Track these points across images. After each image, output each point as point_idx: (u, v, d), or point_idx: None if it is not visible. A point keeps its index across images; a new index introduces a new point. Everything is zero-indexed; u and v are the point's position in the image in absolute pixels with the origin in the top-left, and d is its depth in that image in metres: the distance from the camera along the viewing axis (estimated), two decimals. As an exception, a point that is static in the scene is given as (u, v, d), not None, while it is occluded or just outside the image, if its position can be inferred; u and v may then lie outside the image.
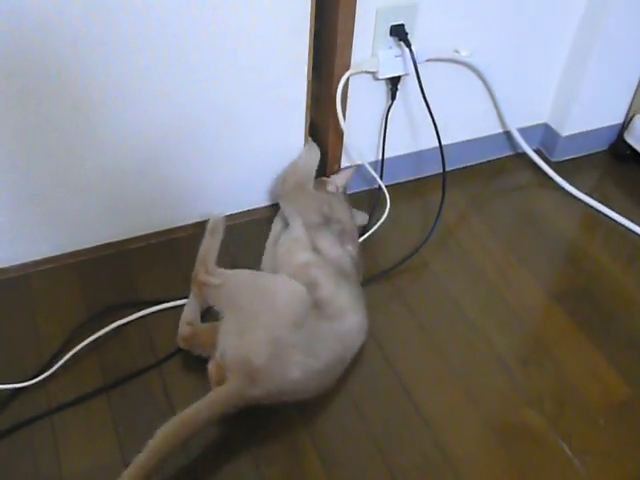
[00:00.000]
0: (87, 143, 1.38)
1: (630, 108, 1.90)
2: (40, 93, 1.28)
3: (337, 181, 1.57)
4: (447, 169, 1.61)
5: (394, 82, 1.58)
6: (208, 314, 1.33)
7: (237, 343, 1.18)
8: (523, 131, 1.85)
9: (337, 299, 1.28)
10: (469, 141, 1.83)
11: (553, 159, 1.91)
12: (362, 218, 1.63)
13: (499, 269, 1.59)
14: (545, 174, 1.85)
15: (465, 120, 1.78)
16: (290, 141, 1.60)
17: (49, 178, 1.40)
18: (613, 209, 1.74)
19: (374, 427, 1.26)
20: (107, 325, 1.36)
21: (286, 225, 1.47)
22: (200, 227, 1.59)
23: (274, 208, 1.60)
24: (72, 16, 1.21)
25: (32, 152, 1.35)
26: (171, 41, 1.31)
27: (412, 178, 1.82)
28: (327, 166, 1.65)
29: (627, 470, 1.23)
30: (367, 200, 1.73)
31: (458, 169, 1.85)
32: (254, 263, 1.46)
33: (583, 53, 1.73)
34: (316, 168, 1.58)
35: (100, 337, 1.35)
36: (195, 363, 1.30)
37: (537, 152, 1.90)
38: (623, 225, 1.72)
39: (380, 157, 1.70)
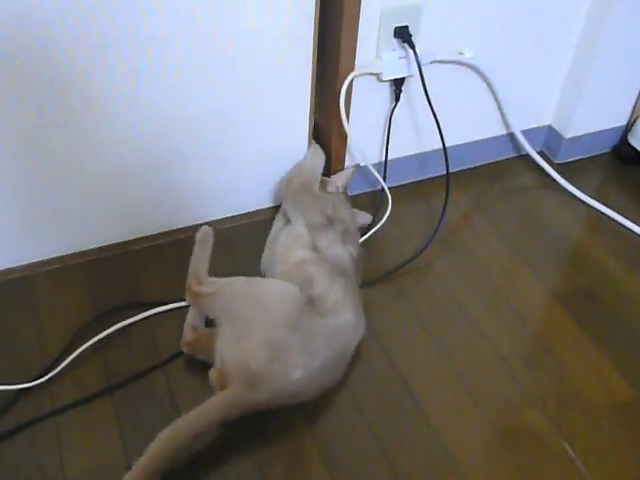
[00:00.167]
0: (90, 145, 1.39)
1: (634, 110, 1.90)
2: (43, 95, 1.28)
3: (337, 181, 1.57)
4: (451, 171, 1.62)
5: (398, 84, 1.58)
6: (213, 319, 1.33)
7: (235, 350, 1.19)
8: (527, 133, 1.85)
9: (331, 295, 1.28)
10: (473, 143, 1.83)
11: (557, 161, 1.91)
12: (365, 218, 1.63)
13: (502, 270, 1.60)
14: (549, 176, 1.85)
15: (469, 122, 1.78)
16: (294, 143, 1.60)
17: (52, 179, 1.40)
18: (616, 211, 1.74)
19: (377, 428, 1.26)
20: (111, 326, 1.37)
21: (287, 222, 1.47)
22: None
23: (277, 210, 1.60)
24: (75, 19, 1.21)
25: (36, 153, 1.35)
26: (173, 43, 1.32)
27: (416, 180, 1.82)
28: (331, 167, 1.66)
29: (630, 471, 1.23)
30: (370, 201, 1.73)
31: (462, 171, 1.85)
32: (257, 264, 1.47)
33: (587, 55, 1.73)
34: (322, 170, 1.58)
35: (104, 338, 1.35)
36: (199, 364, 1.30)
37: (541, 154, 1.90)
38: (626, 227, 1.72)
39: (384, 158, 1.70)
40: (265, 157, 1.59)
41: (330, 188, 1.55)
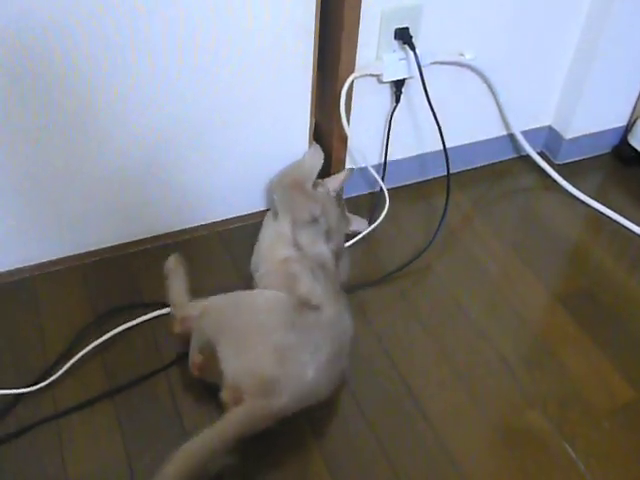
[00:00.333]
0: (90, 147, 1.39)
1: (634, 111, 1.90)
2: (43, 97, 1.28)
3: (329, 184, 1.55)
4: (451, 172, 1.61)
5: (398, 85, 1.59)
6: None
7: (242, 363, 1.17)
8: (527, 134, 1.85)
9: (316, 292, 1.28)
10: (473, 144, 1.83)
11: (557, 162, 1.91)
12: (361, 224, 1.63)
13: (503, 271, 1.60)
14: (549, 177, 1.85)
15: (469, 123, 1.79)
16: (293, 145, 1.60)
17: (53, 182, 1.40)
18: (617, 211, 1.75)
19: (378, 429, 1.26)
20: (112, 327, 1.37)
21: (275, 215, 1.47)
22: (203, 230, 1.61)
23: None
24: (76, 21, 1.21)
25: (37, 155, 1.35)
26: (174, 45, 1.32)
27: (416, 181, 1.82)
28: (331, 168, 1.66)
29: (632, 473, 1.23)
30: (370, 203, 1.73)
31: (462, 172, 1.85)
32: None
33: (587, 56, 1.74)
34: (319, 170, 1.58)
35: (105, 340, 1.35)
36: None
37: (541, 155, 1.90)
38: (627, 227, 1.72)
39: (384, 160, 1.70)
40: (265, 159, 1.59)
41: (322, 190, 1.54)
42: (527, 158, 1.89)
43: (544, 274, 1.59)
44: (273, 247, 1.39)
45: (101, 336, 1.35)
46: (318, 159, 1.59)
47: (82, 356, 1.32)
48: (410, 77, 1.58)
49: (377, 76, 1.56)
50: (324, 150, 1.61)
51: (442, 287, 1.55)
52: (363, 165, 1.68)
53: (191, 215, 1.60)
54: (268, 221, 1.51)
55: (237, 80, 1.42)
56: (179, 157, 1.49)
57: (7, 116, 1.28)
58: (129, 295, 1.46)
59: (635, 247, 1.68)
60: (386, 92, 1.61)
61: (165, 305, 1.42)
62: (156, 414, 1.25)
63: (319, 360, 1.19)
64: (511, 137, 1.87)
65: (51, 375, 1.29)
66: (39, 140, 1.34)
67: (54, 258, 1.51)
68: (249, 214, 1.66)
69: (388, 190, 1.70)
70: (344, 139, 1.62)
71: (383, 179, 1.70)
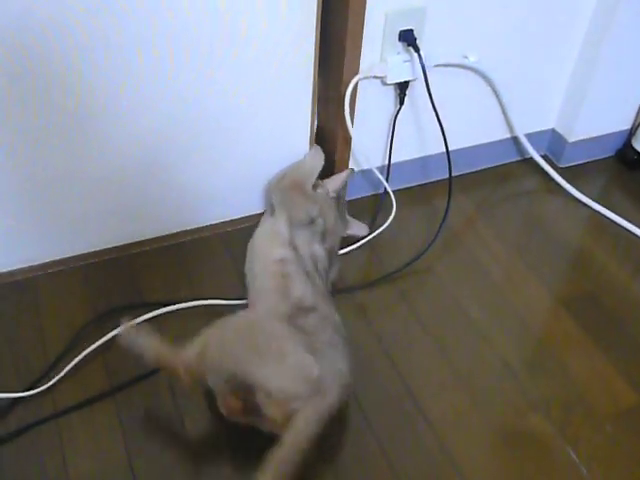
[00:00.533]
0: (90, 148, 1.39)
1: (638, 114, 1.90)
2: (43, 97, 1.28)
3: (329, 185, 1.55)
4: (454, 174, 1.61)
5: (402, 87, 1.58)
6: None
7: (285, 373, 1.11)
8: (530, 137, 1.85)
9: (308, 294, 1.28)
10: (476, 146, 1.83)
11: (560, 165, 1.91)
12: (361, 229, 1.62)
13: (505, 274, 1.59)
14: (552, 180, 1.85)
15: (472, 125, 1.78)
16: (294, 148, 1.60)
17: (52, 182, 1.40)
18: (620, 215, 1.74)
19: (379, 431, 1.26)
20: (113, 327, 1.36)
21: (272, 212, 1.47)
22: (204, 231, 1.61)
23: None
24: (76, 21, 1.21)
25: (37, 155, 1.35)
26: (174, 47, 1.32)
27: (419, 183, 1.82)
28: (335, 170, 1.65)
29: (634, 477, 1.22)
30: (373, 204, 1.73)
31: (465, 174, 1.85)
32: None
33: (591, 59, 1.73)
34: (319, 171, 1.58)
35: (106, 340, 1.35)
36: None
37: (544, 158, 1.90)
38: (630, 231, 1.72)
39: (387, 161, 1.70)
40: (265, 161, 1.59)
41: (321, 191, 1.54)
42: (530, 161, 1.89)
43: (547, 277, 1.58)
44: (268, 246, 1.39)
45: (102, 336, 1.35)
46: (319, 160, 1.59)
47: (84, 356, 1.32)
48: (414, 79, 1.58)
49: (381, 78, 1.56)
50: (327, 152, 1.61)
51: (443, 289, 1.55)
52: (367, 167, 1.68)
53: (191, 216, 1.60)
54: (264, 219, 1.51)
55: (237, 82, 1.42)
56: (179, 158, 1.49)
57: (7, 116, 1.28)
58: (129, 295, 1.46)
59: (638, 250, 1.67)
60: (390, 94, 1.61)
61: (165, 305, 1.42)
62: (157, 413, 1.25)
63: (343, 351, 1.20)
64: (514, 140, 1.87)
65: (51, 375, 1.29)
66: (39, 140, 1.34)
67: (54, 258, 1.51)
68: (249, 216, 1.66)
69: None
70: (348, 141, 1.62)
71: (387, 181, 1.70)
